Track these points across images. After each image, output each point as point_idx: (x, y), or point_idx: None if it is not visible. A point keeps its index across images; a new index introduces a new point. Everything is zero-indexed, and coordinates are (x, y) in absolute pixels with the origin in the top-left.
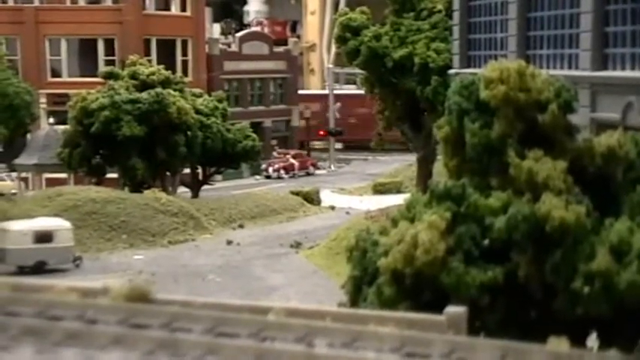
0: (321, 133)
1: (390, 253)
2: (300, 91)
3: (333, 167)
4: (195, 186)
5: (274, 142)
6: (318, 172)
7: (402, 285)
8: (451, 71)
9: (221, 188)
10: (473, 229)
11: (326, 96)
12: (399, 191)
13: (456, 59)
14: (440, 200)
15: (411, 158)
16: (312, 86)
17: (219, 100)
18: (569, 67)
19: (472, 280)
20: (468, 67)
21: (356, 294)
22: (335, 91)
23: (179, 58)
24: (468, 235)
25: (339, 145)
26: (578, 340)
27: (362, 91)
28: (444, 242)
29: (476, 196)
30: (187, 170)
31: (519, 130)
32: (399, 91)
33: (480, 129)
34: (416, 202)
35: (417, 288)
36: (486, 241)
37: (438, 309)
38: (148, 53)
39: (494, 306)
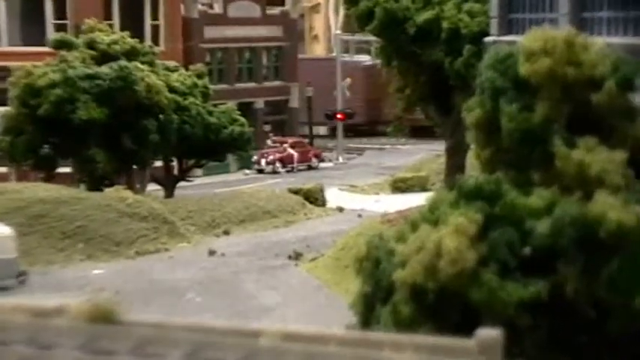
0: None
1: (408, 263)
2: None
3: (341, 159)
4: (169, 183)
5: (268, 127)
6: (322, 164)
7: (423, 303)
8: (488, 39)
9: (202, 185)
10: (510, 235)
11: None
12: (424, 189)
13: (494, 24)
14: (469, 199)
15: (440, 147)
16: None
17: (199, 76)
18: (635, 34)
19: (509, 297)
20: (509, 33)
21: (367, 314)
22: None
23: (148, 22)
24: (504, 241)
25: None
26: None
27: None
28: (475, 250)
29: (513, 193)
30: (159, 163)
31: (567, 113)
32: (422, 63)
33: (519, 112)
34: (440, 202)
35: (442, 306)
36: (526, 249)
37: (467, 331)
38: (108, 16)
39: (536, 328)
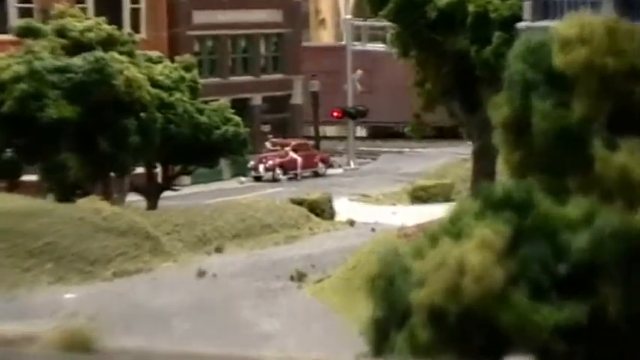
0: (336, 114)
1: (426, 282)
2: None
3: (352, 164)
4: (152, 192)
5: (267, 127)
6: (330, 171)
7: (444, 327)
8: (520, 24)
9: (190, 195)
10: (543, 249)
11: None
12: (448, 198)
13: (527, 7)
14: (497, 209)
15: (467, 150)
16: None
17: (187, 68)
18: None
19: (542, 320)
20: (545, 18)
21: (380, 341)
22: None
23: (127, 6)
24: (536, 257)
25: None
26: None
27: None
28: (503, 267)
29: (547, 202)
30: (141, 169)
31: (608, 110)
32: (445, 53)
33: (553, 109)
34: (464, 212)
35: (465, 331)
36: (562, 266)
37: (494, 359)
38: (81, 0)
39: (573, 354)
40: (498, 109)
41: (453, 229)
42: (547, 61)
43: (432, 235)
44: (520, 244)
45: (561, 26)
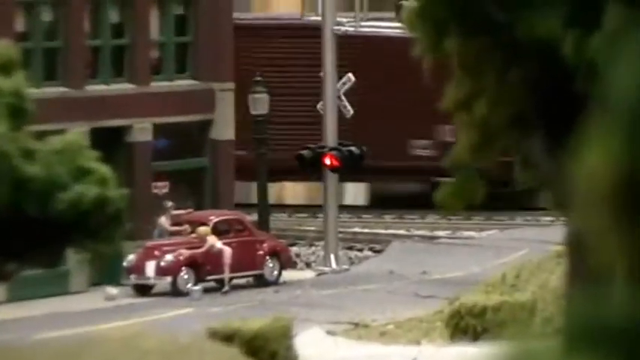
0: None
1: None
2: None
3: (334, 262)
4: None
5: (164, 187)
6: (290, 274)
7: None
8: None
9: (4, 324)
10: None
11: None
12: (524, 332)
13: None
14: (595, 344)
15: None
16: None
17: (4, 68)
18: None
19: None
20: None
21: None
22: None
23: None
24: None
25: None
26: None
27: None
28: None
29: None
30: None
31: None
32: (514, 45)
33: None
34: (537, 351)
35: None
36: None
37: None
38: None
39: None
40: (592, 161)
41: None
42: None
43: None
44: None
45: None
